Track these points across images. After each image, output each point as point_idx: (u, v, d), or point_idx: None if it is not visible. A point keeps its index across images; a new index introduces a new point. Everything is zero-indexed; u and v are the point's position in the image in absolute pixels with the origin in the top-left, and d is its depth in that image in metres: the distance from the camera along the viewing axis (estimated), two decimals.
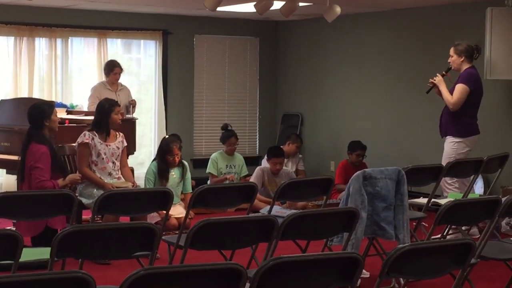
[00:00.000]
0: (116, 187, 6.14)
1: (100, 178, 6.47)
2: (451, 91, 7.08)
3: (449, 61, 7.21)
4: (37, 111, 6.20)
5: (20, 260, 3.55)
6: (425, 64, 9.20)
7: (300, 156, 9.97)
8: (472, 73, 7.10)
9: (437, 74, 7.23)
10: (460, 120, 7.10)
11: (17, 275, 2.49)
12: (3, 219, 6.04)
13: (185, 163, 7.86)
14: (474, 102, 7.12)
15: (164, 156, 7.63)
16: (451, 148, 7.10)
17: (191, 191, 7.82)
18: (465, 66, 7.12)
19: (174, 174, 7.71)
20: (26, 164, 6.05)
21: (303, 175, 9.69)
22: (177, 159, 7.66)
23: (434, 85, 7.23)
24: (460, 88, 7.02)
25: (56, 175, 6.12)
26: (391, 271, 3.12)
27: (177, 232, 6.92)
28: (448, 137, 7.17)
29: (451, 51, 7.19)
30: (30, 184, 6.04)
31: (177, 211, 7.51)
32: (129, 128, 7.81)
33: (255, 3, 7.53)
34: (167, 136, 8.10)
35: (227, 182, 8.82)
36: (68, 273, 2.62)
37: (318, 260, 3.00)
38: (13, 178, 8.00)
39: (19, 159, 6.21)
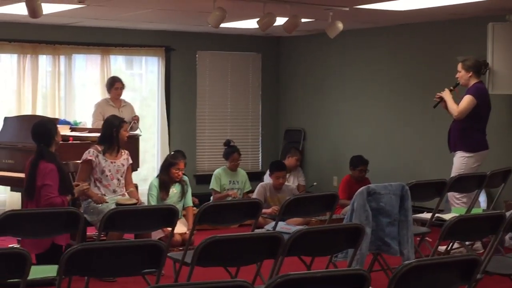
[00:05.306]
0: (121, 204, 6.16)
1: (104, 195, 6.50)
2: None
3: (456, 76, 7.24)
4: (45, 129, 6.20)
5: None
6: (426, 79, 9.23)
7: (301, 170, 10.01)
8: (480, 88, 7.15)
9: (445, 89, 7.26)
10: (469, 135, 7.12)
11: None
12: (8, 236, 6.04)
13: (186, 178, 7.88)
14: (482, 117, 7.15)
15: (169, 169, 7.66)
16: (461, 163, 7.12)
17: (192, 205, 7.86)
18: (473, 81, 7.15)
19: (175, 189, 7.74)
20: (37, 182, 6.03)
21: (303, 190, 9.71)
22: (180, 174, 7.69)
23: (442, 99, 7.25)
24: (467, 98, 7.06)
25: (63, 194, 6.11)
26: (397, 287, 3.12)
27: (181, 248, 6.96)
28: (457, 152, 7.18)
29: (459, 66, 7.21)
30: (38, 202, 6.03)
31: (178, 227, 7.51)
32: (132, 144, 7.83)
33: (258, 19, 7.56)
34: (173, 152, 8.15)
35: (230, 198, 8.84)
36: None
37: (325, 277, 3.01)
38: (17, 195, 8.03)
39: (25, 176, 6.19)
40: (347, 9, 7.73)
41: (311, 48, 10.93)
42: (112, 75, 9.75)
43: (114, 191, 6.59)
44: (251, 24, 8.64)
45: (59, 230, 4.81)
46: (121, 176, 6.66)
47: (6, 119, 8.17)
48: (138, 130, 8.89)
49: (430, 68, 9.23)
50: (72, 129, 8.32)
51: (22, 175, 6.54)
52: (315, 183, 9.73)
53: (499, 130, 8.33)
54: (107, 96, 9.24)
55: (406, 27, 9.46)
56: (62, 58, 9.86)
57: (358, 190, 5.28)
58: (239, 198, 8.97)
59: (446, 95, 7.20)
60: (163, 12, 8.56)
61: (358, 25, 9.56)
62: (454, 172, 7.04)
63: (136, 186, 7.11)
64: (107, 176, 6.55)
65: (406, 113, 9.60)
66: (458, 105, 7.08)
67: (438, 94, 7.29)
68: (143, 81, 10.90)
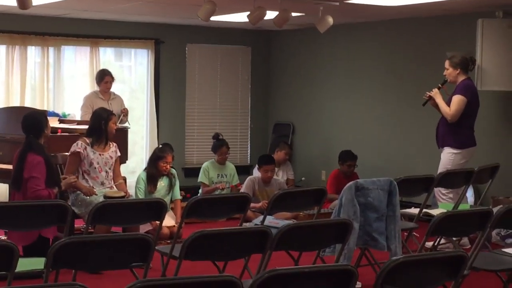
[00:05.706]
0: (109, 197, 6.15)
1: (92, 187, 6.49)
2: (447, 103, 7.12)
3: (444, 73, 7.24)
4: (36, 121, 6.18)
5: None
6: (416, 74, 9.25)
7: (290, 164, 10.01)
8: (469, 84, 7.15)
9: (434, 88, 7.26)
10: (457, 132, 7.13)
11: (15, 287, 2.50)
12: None
13: (173, 171, 7.87)
14: (471, 113, 7.16)
15: (156, 162, 7.65)
16: (449, 159, 7.13)
17: (180, 197, 7.85)
18: (461, 78, 7.15)
19: (163, 183, 7.73)
20: (24, 174, 6.00)
21: (292, 184, 9.72)
22: (168, 167, 7.68)
23: (430, 98, 7.25)
24: (457, 99, 7.05)
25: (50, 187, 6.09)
26: (385, 283, 3.14)
27: (168, 241, 6.96)
28: (445, 148, 7.20)
29: (446, 63, 7.22)
30: (25, 194, 6.01)
31: (166, 220, 7.51)
32: (121, 137, 7.81)
33: (248, 13, 7.55)
34: (161, 146, 8.15)
35: (218, 191, 8.84)
36: (66, 285, 2.63)
37: (313, 273, 3.02)
38: (4, 187, 7.99)
39: (14, 168, 6.16)
40: (337, 3, 7.72)
41: (301, 42, 10.93)
42: (101, 67, 9.73)
43: (102, 184, 6.58)
44: (241, 17, 8.63)
45: (48, 222, 4.80)
46: (109, 169, 6.65)
47: None
48: (127, 123, 8.87)
49: (420, 63, 9.24)
50: (61, 121, 8.30)
51: (10, 166, 6.52)
52: (303, 178, 9.74)
53: (487, 126, 8.35)
54: (96, 88, 9.22)
55: (396, 22, 9.46)
56: (51, 49, 9.81)
57: (347, 185, 5.29)
58: (226, 188, 8.97)
59: (437, 95, 7.19)
60: (153, 4, 8.53)
61: (349, 20, 9.56)
62: (441, 168, 7.06)
63: (124, 179, 7.10)
64: (95, 168, 6.54)
65: (395, 108, 9.61)
66: (450, 108, 7.07)
67: (427, 93, 7.29)
68: (132, 73, 10.88)
